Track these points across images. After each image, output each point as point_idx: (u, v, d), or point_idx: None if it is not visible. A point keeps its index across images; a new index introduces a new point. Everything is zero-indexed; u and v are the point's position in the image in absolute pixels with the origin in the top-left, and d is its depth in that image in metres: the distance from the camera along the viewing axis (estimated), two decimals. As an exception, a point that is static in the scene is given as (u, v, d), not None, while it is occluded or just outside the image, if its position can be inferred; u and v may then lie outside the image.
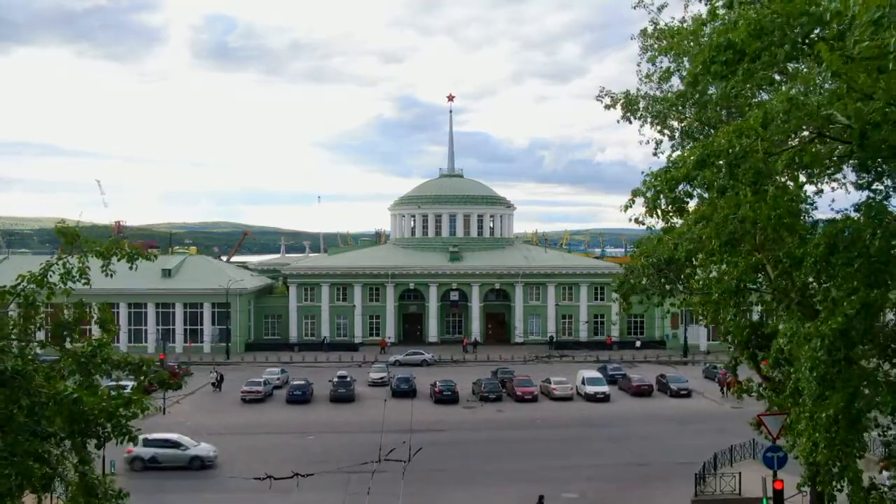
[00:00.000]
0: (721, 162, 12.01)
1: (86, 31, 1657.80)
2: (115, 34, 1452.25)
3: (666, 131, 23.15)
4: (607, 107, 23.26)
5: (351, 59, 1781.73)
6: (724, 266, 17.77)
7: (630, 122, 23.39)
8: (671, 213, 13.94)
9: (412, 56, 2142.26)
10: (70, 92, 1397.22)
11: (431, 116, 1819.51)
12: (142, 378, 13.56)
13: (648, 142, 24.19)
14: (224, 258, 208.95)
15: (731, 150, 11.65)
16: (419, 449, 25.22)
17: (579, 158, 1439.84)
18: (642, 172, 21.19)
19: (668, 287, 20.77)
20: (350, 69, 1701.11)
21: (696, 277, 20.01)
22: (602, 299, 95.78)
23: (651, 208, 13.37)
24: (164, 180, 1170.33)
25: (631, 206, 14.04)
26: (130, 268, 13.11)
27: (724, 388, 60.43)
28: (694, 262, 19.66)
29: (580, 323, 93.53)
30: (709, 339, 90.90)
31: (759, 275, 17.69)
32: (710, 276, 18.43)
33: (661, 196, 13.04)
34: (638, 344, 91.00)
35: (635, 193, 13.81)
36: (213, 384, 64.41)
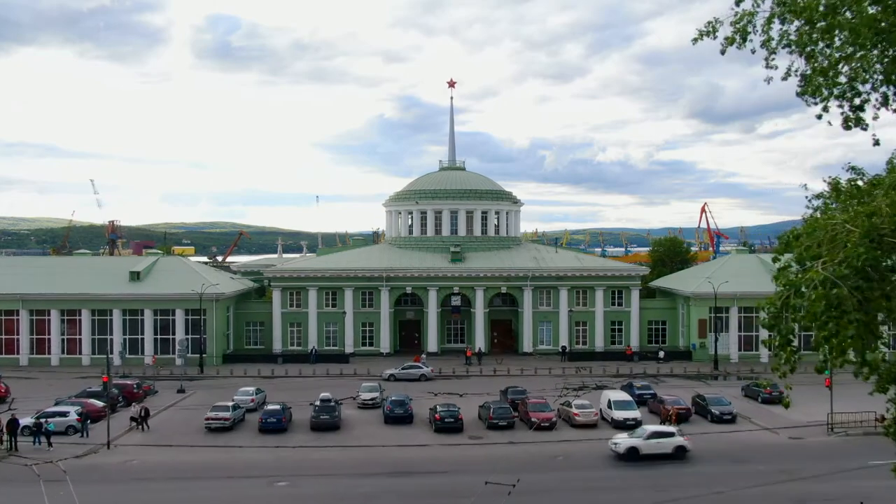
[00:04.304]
0: None
1: (89, 31, 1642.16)
2: (118, 35, 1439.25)
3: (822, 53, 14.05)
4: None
5: (353, 60, 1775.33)
6: None
7: (742, 44, 14.43)
8: None
9: (415, 56, 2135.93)
10: (72, 92, 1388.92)
11: (433, 117, 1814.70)
12: None
13: (788, 76, 14.96)
14: (220, 258, 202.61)
15: None
16: None
17: (580, 158, 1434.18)
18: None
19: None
20: (353, 69, 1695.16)
21: None
22: (620, 304, 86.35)
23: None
24: (164, 181, 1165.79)
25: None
26: None
27: (666, 421, 50.52)
28: None
29: (659, 353, 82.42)
30: (740, 350, 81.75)
31: None
32: None
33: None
34: (661, 355, 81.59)
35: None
36: (133, 419, 51.50)
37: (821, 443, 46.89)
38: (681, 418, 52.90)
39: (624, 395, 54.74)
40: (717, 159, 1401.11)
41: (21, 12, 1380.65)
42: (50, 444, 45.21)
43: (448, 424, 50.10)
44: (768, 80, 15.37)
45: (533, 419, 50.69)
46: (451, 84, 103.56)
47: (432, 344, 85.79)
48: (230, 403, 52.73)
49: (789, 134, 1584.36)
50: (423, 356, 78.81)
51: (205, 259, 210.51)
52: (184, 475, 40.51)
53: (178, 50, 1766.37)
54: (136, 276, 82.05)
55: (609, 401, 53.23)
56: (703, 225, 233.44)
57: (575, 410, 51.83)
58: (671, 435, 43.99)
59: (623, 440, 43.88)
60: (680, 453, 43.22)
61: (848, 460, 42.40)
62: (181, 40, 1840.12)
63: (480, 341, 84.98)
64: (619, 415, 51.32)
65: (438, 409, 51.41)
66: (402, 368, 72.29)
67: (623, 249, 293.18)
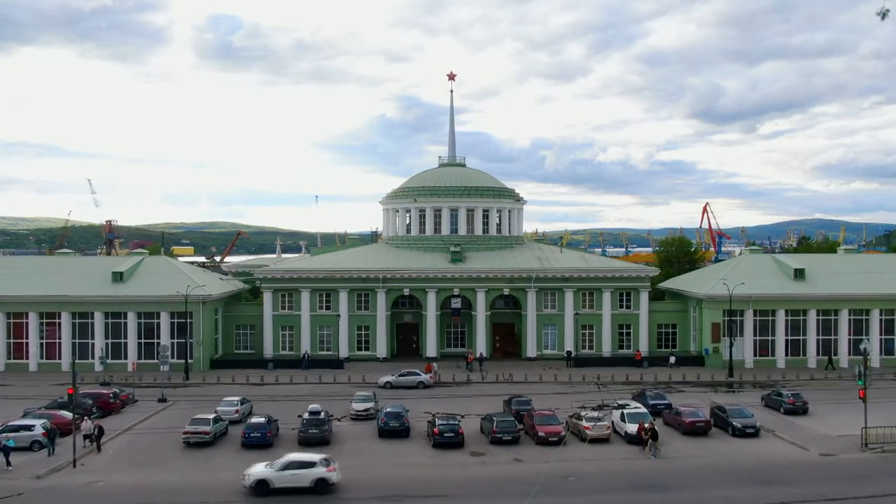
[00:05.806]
0: None
1: (91, 31, 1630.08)
2: (120, 34, 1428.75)
3: None
4: None
5: (355, 60, 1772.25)
6: None
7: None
8: None
9: (416, 56, 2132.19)
10: (72, 92, 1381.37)
11: (434, 117, 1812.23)
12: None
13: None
14: (218, 258, 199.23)
15: None
16: None
17: (580, 158, 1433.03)
18: None
19: None
20: (354, 69, 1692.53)
21: None
22: (628, 307, 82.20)
23: None
24: (164, 181, 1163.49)
25: None
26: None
27: (643, 437, 45.19)
28: None
29: (670, 359, 77.73)
30: (755, 355, 77.60)
31: None
32: None
33: None
34: (672, 360, 77.43)
35: None
36: (86, 437, 46.16)
37: (856, 460, 42.76)
38: (699, 431, 48.96)
39: (638, 407, 50.56)
40: (718, 159, 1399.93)
41: (22, 11, 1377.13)
42: (9, 463, 41.01)
43: (448, 439, 46.00)
44: (883, 13, 11.36)
45: (540, 433, 46.68)
46: (451, 77, 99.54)
47: (431, 348, 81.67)
48: (211, 416, 48.55)
49: (790, 134, 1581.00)
50: (435, 365, 74.13)
51: (203, 259, 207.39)
52: (154, 499, 36.35)
53: (179, 50, 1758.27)
54: (119, 277, 77.93)
55: (622, 413, 49.08)
56: (705, 225, 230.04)
57: (586, 424, 47.67)
58: (312, 465, 36.88)
59: (254, 471, 36.84)
60: (321, 487, 36.17)
61: (891, 481, 38.35)
62: (182, 40, 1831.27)
63: (482, 346, 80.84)
64: (633, 428, 47.17)
65: (437, 422, 47.33)
66: (400, 375, 68.20)
67: (623, 249, 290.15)
